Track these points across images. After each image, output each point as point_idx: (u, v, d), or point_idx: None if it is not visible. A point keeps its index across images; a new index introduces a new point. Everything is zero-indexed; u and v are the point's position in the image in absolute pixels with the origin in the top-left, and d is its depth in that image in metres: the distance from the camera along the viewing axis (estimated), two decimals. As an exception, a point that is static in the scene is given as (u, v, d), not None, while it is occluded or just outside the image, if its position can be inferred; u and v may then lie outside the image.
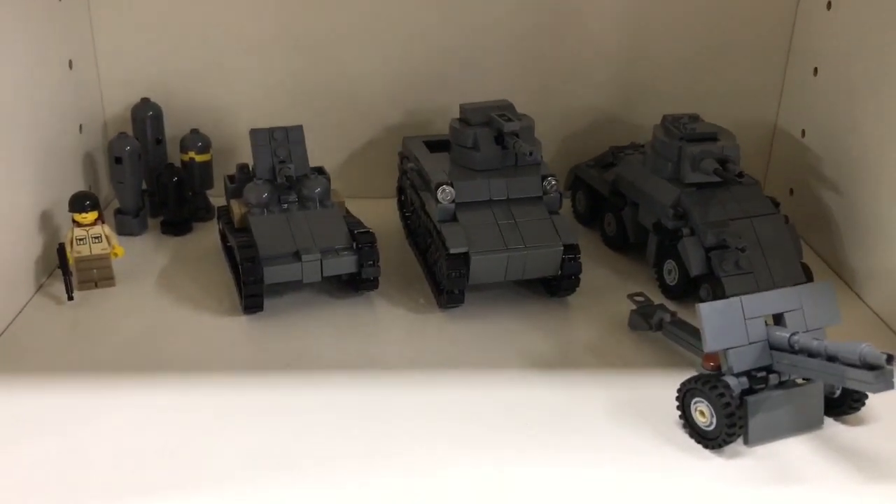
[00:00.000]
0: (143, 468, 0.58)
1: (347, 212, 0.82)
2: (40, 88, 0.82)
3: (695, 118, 0.82)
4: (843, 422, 0.63)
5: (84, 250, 0.79)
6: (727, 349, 0.60)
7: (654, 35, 0.96)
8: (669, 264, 0.79)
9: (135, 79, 0.95)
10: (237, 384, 0.67)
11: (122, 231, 0.90)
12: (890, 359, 0.53)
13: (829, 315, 0.62)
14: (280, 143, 0.80)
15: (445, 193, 0.76)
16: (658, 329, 0.72)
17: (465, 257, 0.74)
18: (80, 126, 0.91)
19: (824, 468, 0.59)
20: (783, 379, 0.61)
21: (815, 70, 0.91)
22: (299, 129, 0.81)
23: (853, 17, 0.84)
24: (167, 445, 0.60)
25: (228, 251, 0.83)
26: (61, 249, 0.77)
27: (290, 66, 0.96)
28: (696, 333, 0.67)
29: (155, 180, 0.92)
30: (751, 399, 0.60)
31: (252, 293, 0.74)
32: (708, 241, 0.75)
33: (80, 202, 0.79)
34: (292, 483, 0.57)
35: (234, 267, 0.80)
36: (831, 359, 0.57)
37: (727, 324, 0.60)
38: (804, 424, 0.62)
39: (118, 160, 0.88)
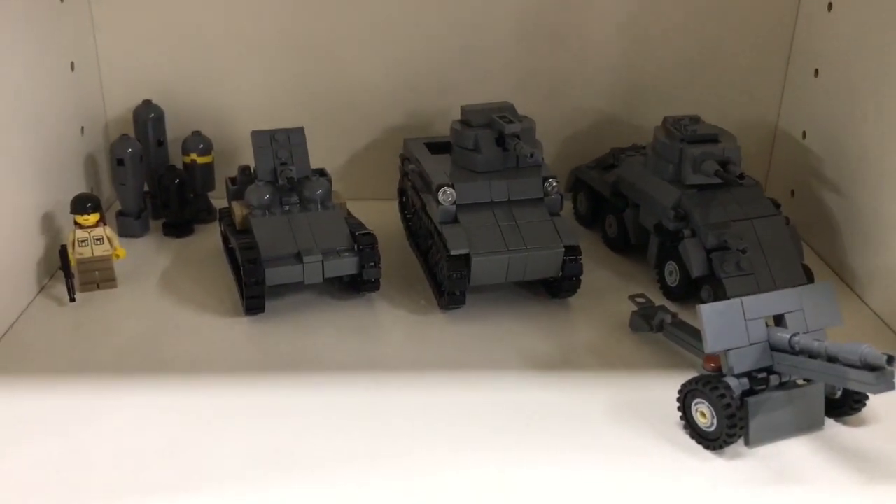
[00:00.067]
0: (145, 469, 0.58)
1: (349, 213, 0.82)
2: (42, 90, 0.82)
3: (696, 120, 0.82)
4: (844, 422, 0.63)
5: (86, 252, 0.79)
6: (728, 350, 0.60)
7: (655, 37, 0.96)
8: (670, 265, 0.79)
9: (136, 81, 0.95)
10: (239, 385, 0.67)
11: (123, 233, 0.90)
12: (890, 360, 0.53)
13: (829, 316, 0.63)
14: (281, 144, 0.80)
15: (446, 195, 0.76)
16: (659, 330, 0.72)
17: (466, 259, 0.74)
18: (82, 128, 0.91)
19: (825, 469, 0.59)
20: (784, 380, 0.61)
21: (816, 71, 0.91)
22: (301, 130, 0.81)
23: (854, 19, 0.85)
24: (169, 446, 0.60)
25: (230, 253, 0.83)
26: (63, 251, 0.77)
27: (292, 69, 0.96)
28: (696, 334, 0.68)
29: (157, 182, 0.92)
30: (751, 400, 0.60)
31: (253, 294, 0.74)
32: (709, 242, 0.75)
33: (81, 204, 0.79)
34: (293, 484, 0.57)
35: (235, 268, 0.80)
36: (832, 360, 0.57)
37: (728, 325, 0.60)
38: (805, 425, 0.62)
39: (120, 162, 0.88)
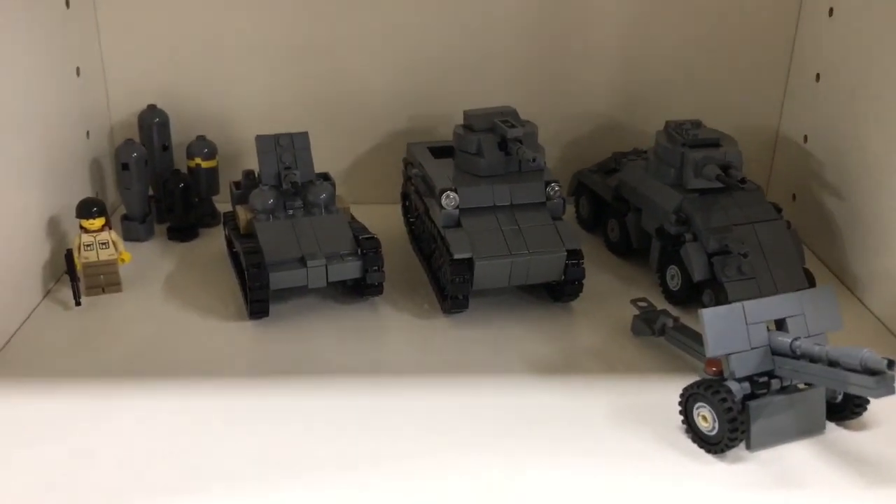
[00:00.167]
0: (150, 471, 0.58)
1: (352, 217, 0.82)
2: (48, 95, 0.83)
3: (697, 124, 0.82)
4: (845, 426, 0.64)
5: (91, 256, 0.79)
6: (729, 354, 0.60)
7: (656, 41, 0.97)
8: (672, 270, 0.80)
9: (141, 86, 0.96)
10: (243, 388, 0.67)
11: (128, 237, 0.90)
12: (891, 364, 0.54)
13: (830, 320, 0.63)
14: (286, 149, 0.80)
15: (449, 199, 0.76)
16: (661, 334, 0.73)
17: (469, 263, 0.75)
18: (88, 132, 0.92)
19: (826, 473, 0.59)
20: (785, 384, 0.61)
21: (818, 76, 0.92)
22: (305, 135, 0.82)
23: (854, 24, 0.85)
24: (174, 449, 0.60)
25: (234, 257, 0.83)
26: (69, 255, 0.78)
27: (296, 73, 0.96)
28: (698, 338, 0.68)
29: (161, 186, 0.92)
30: (753, 404, 0.60)
31: (258, 298, 0.75)
32: (710, 246, 0.76)
33: (87, 208, 0.79)
34: (297, 487, 0.57)
35: (240, 272, 0.80)
36: (833, 364, 0.57)
37: (729, 329, 0.60)
38: (806, 429, 0.62)
39: (125, 166, 0.89)
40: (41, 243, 0.80)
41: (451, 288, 0.75)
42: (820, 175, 0.90)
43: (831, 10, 0.89)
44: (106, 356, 0.71)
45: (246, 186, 0.82)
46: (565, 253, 0.76)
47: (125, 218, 0.92)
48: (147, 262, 0.86)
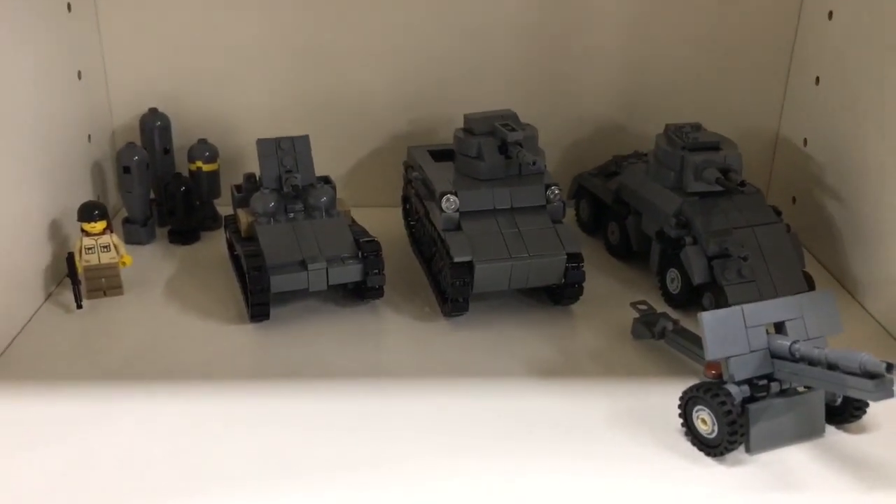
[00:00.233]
0: (151, 474, 0.58)
1: (353, 221, 0.82)
2: (49, 99, 0.83)
3: (697, 127, 0.83)
4: (845, 430, 0.64)
5: (93, 259, 0.79)
6: (729, 357, 0.60)
7: (656, 45, 0.97)
8: (672, 273, 0.80)
9: (143, 89, 0.96)
10: (243, 391, 0.67)
11: (130, 240, 0.90)
12: (890, 367, 0.54)
13: (830, 324, 0.63)
14: (286, 152, 0.81)
15: (450, 202, 0.76)
16: (661, 337, 0.73)
17: (469, 266, 0.75)
18: (89, 136, 0.92)
19: (826, 476, 0.59)
20: (784, 387, 0.61)
21: (817, 79, 0.92)
22: (305, 138, 0.82)
23: (854, 27, 0.85)
24: (174, 452, 0.61)
25: (235, 260, 0.84)
26: (70, 258, 0.78)
27: (297, 77, 0.97)
28: (698, 342, 0.68)
29: (163, 189, 0.92)
30: (752, 407, 0.60)
31: (259, 301, 0.75)
32: (710, 249, 0.76)
33: (88, 212, 0.80)
34: (298, 490, 0.57)
35: (240, 276, 0.81)
36: (832, 367, 0.57)
37: (729, 332, 0.60)
38: (805, 432, 0.62)
39: (126, 170, 0.89)
40: (43, 246, 0.81)
41: (452, 291, 0.75)
42: (820, 178, 0.91)
43: (831, 14, 0.89)
44: (107, 359, 0.71)
45: (247, 190, 0.82)
46: (565, 256, 0.76)
47: (126, 221, 0.92)
48: (148, 266, 0.87)
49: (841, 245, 0.87)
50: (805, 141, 0.94)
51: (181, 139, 0.96)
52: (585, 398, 0.67)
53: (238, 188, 0.84)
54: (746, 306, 0.61)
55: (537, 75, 0.97)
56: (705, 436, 0.61)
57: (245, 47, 0.95)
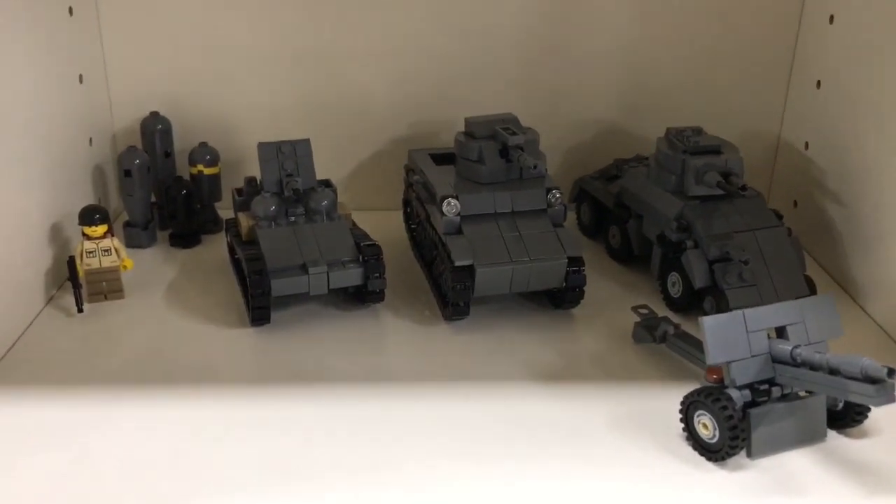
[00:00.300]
0: (152, 479, 0.58)
1: (354, 224, 0.82)
2: (51, 102, 0.83)
3: (698, 131, 0.83)
4: (846, 434, 0.64)
5: (94, 263, 0.80)
6: (730, 362, 0.60)
7: (657, 48, 0.97)
8: (673, 277, 0.80)
9: (144, 93, 0.96)
10: (244, 395, 0.67)
11: (131, 243, 0.91)
12: (891, 372, 0.54)
13: (830, 328, 0.63)
14: (287, 156, 0.81)
15: (451, 206, 0.76)
16: (662, 341, 0.73)
17: (470, 270, 0.75)
18: (90, 139, 0.92)
19: (827, 481, 0.59)
20: (786, 392, 0.61)
21: (818, 83, 0.92)
22: (306, 142, 0.82)
23: (855, 31, 0.85)
24: (175, 456, 0.61)
25: (236, 264, 0.84)
26: (71, 262, 0.78)
27: (298, 81, 0.97)
28: (699, 346, 0.68)
29: (164, 193, 0.92)
30: (753, 412, 0.60)
31: (259, 305, 0.75)
32: (711, 253, 0.76)
33: (89, 215, 0.80)
34: (299, 494, 0.57)
35: (241, 279, 0.81)
36: (833, 372, 0.57)
37: (730, 337, 0.60)
38: (807, 437, 0.62)
39: (127, 173, 0.89)
40: (44, 250, 0.81)
41: (453, 295, 0.75)
42: (821, 182, 0.91)
43: (832, 18, 0.89)
44: (108, 363, 0.71)
45: (248, 193, 0.82)
46: (566, 260, 0.76)
47: (127, 224, 0.92)
48: (149, 269, 0.87)
49: (842, 248, 0.86)
50: (806, 144, 0.94)
51: (182, 143, 0.96)
52: (586, 402, 0.67)
53: (239, 192, 0.84)
54: (748, 311, 0.61)
55: (538, 79, 0.98)
56: (706, 440, 0.60)
57: (246, 51, 0.96)
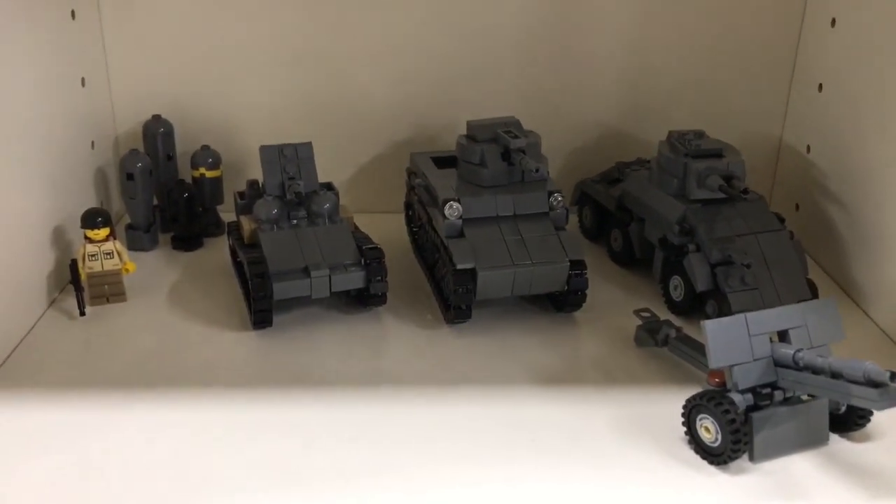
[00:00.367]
0: (154, 482, 0.58)
1: (356, 227, 0.82)
2: (53, 105, 0.83)
3: (700, 134, 0.83)
4: (849, 438, 0.64)
5: (96, 266, 0.80)
6: (732, 366, 0.60)
7: (659, 51, 0.97)
8: (675, 280, 0.80)
9: (146, 96, 0.96)
10: (246, 399, 0.67)
11: (133, 246, 0.91)
12: (893, 376, 0.54)
13: (833, 332, 0.63)
14: (289, 159, 0.81)
15: (453, 209, 0.76)
16: (664, 345, 0.73)
17: (472, 273, 0.75)
18: (92, 142, 0.92)
19: (829, 485, 0.59)
20: (788, 395, 0.61)
21: (820, 86, 0.92)
22: (308, 145, 0.82)
23: (857, 34, 0.85)
24: (177, 459, 0.61)
25: (238, 267, 0.84)
26: (73, 265, 0.78)
27: (300, 84, 0.97)
28: (701, 349, 0.68)
29: (166, 196, 0.93)
30: (756, 415, 0.60)
31: (261, 308, 0.75)
32: (713, 257, 0.76)
33: (92, 219, 0.80)
34: (300, 498, 0.57)
35: (243, 282, 0.81)
36: (836, 376, 0.57)
37: (732, 340, 0.60)
38: (809, 441, 0.62)
39: (129, 176, 0.89)
40: (46, 253, 0.81)
41: (454, 298, 0.75)
42: (823, 185, 0.90)
43: (833, 21, 0.89)
44: (110, 366, 0.71)
45: (250, 196, 0.82)
46: (568, 263, 0.76)
47: (129, 227, 0.92)
48: (151, 272, 0.87)
49: (844, 252, 0.86)
50: (808, 148, 0.94)
51: (184, 146, 0.96)
52: (588, 406, 0.67)
53: (241, 195, 0.84)
54: (750, 314, 0.61)
55: (540, 82, 0.98)
56: (709, 444, 0.60)
57: (248, 54, 0.96)
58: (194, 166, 0.94)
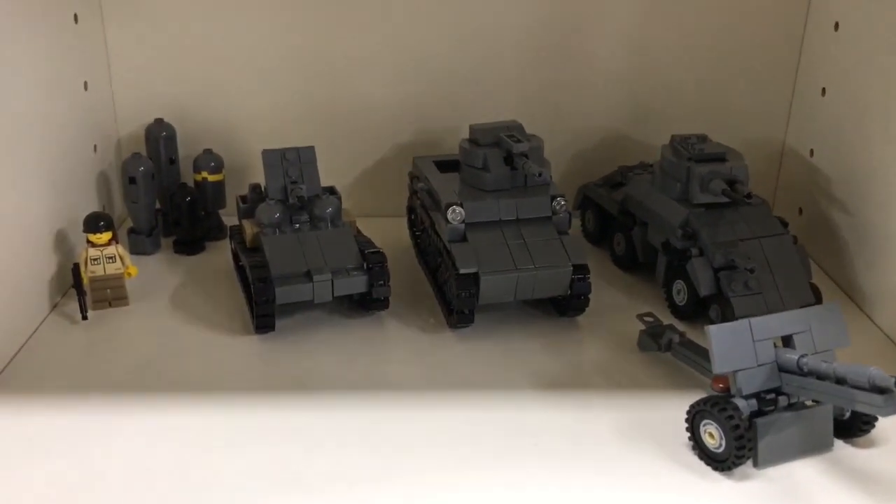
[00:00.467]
0: (155, 487, 0.58)
1: (358, 231, 0.82)
2: (55, 109, 0.83)
3: (703, 138, 0.82)
4: (853, 444, 0.63)
5: (98, 270, 0.80)
6: (736, 371, 0.60)
7: (662, 55, 0.97)
8: (678, 284, 0.80)
9: (148, 100, 0.96)
10: (248, 403, 0.67)
11: (135, 250, 0.91)
12: (898, 382, 0.53)
13: (837, 337, 0.63)
14: (292, 163, 0.81)
15: (455, 214, 0.76)
16: (667, 349, 0.72)
17: (475, 277, 0.75)
18: (95, 146, 0.92)
19: (834, 490, 0.59)
20: (792, 401, 0.61)
21: (823, 90, 0.92)
22: (311, 149, 0.82)
23: (860, 38, 0.85)
24: (179, 464, 0.60)
25: (240, 271, 0.84)
26: (76, 269, 0.78)
27: (302, 88, 0.97)
28: (705, 354, 0.68)
29: (168, 200, 0.92)
30: (760, 421, 0.60)
31: (264, 313, 0.75)
32: (717, 261, 0.75)
33: (94, 223, 0.80)
34: (302, 502, 0.57)
35: (246, 286, 0.81)
36: (840, 381, 0.57)
37: (736, 346, 0.60)
38: (814, 446, 0.62)
39: (132, 180, 0.89)
40: (48, 257, 0.81)
41: (457, 302, 0.75)
42: (826, 189, 0.90)
43: (837, 25, 0.89)
44: (112, 370, 0.71)
45: (252, 200, 0.82)
46: (571, 267, 0.76)
47: (132, 231, 0.92)
48: (153, 276, 0.87)
49: (848, 256, 0.86)
50: (811, 152, 0.94)
51: (186, 149, 0.96)
52: (591, 410, 0.67)
53: (243, 199, 0.84)
54: (754, 319, 0.61)
55: (543, 86, 0.97)
56: (713, 450, 0.60)
57: (251, 58, 0.96)
58: (196, 170, 0.94)
